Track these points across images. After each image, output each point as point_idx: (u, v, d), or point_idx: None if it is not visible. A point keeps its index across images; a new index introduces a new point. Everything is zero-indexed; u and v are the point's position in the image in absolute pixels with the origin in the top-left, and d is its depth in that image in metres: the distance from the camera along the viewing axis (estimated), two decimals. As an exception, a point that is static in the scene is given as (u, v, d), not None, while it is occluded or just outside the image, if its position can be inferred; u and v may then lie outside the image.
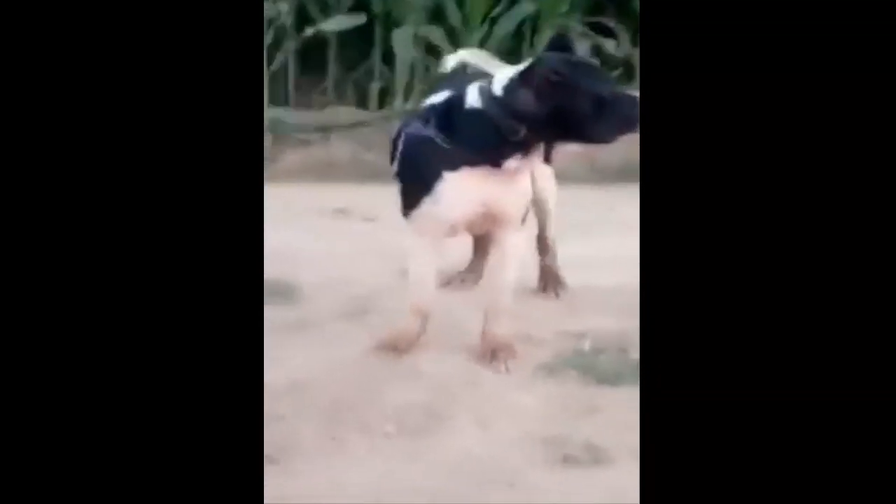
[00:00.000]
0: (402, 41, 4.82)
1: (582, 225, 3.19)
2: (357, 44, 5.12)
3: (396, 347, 2.32)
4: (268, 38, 4.66)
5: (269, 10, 4.57)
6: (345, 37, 5.06)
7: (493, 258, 2.35)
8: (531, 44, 5.02)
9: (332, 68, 5.17)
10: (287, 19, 4.85)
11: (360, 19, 4.82)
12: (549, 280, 2.83)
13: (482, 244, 2.80)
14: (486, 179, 2.16)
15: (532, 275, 2.81)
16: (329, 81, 5.17)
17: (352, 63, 5.19)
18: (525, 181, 2.26)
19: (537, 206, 2.70)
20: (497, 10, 4.89)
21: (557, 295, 2.82)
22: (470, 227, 2.32)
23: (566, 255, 2.88)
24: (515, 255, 2.33)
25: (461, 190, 2.17)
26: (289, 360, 2.28)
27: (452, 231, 2.30)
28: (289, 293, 2.77)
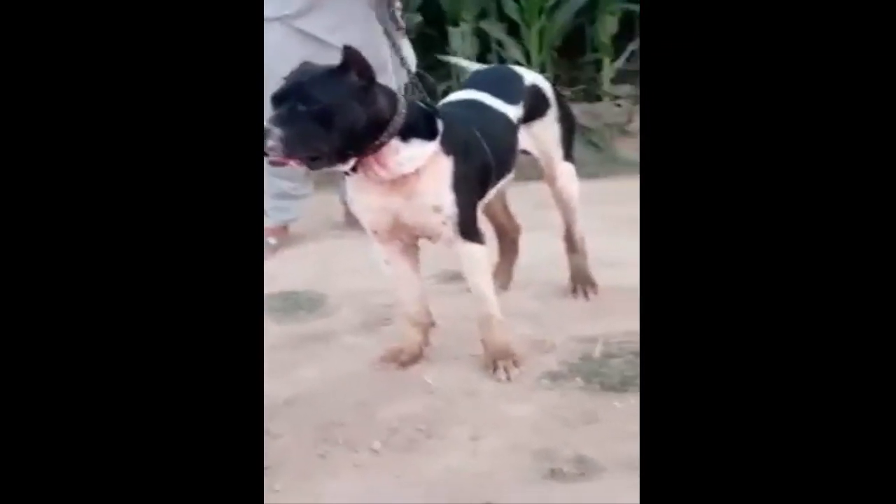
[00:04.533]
0: (461, 38, 4.77)
1: (610, 220, 3.07)
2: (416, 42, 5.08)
3: (397, 360, 2.30)
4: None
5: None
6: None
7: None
8: (593, 33, 4.91)
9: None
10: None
11: (415, 18, 4.80)
12: (579, 281, 2.75)
13: (505, 246, 2.75)
14: (377, 186, 2.10)
15: (564, 276, 2.74)
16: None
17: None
18: (426, 194, 2.11)
19: (560, 204, 2.64)
20: (552, 1, 4.78)
21: (587, 297, 2.73)
22: (393, 235, 2.22)
23: (595, 253, 2.78)
24: (473, 263, 2.21)
25: (359, 194, 2.16)
26: (293, 373, 2.31)
27: (385, 238, 2.22)
28: (314, 305, 2.78)
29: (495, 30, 4.81)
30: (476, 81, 2.52)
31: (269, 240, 3.25)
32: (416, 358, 2.32)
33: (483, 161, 2.22)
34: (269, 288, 2.83)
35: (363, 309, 2.71)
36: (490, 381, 2.23)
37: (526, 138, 2.45)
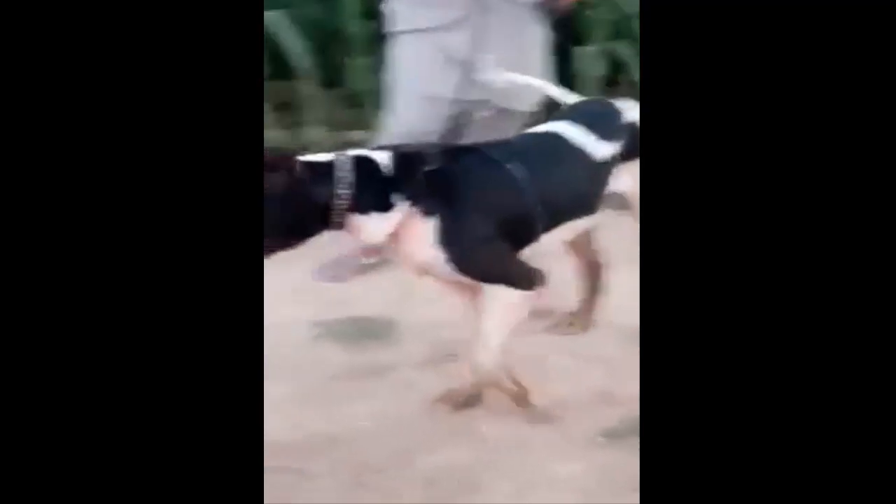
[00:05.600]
0: (590, 58, 4.62)
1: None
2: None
3: (453, 402, 2.21)
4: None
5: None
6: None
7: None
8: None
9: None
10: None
11: None
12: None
13: (587, 286, 2.62)
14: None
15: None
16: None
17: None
18: (410, 255, 2.07)
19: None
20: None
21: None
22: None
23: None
24: (493, 303, 2.09)
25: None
26: (343, 409, 2.25)
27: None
28: (383, 333, 2.72)
29: (624, 52, 4.62)
30: (570, 113, 2.38)
31: (362, 259, 3.18)
32: (473, 402, 2.22)
33: (512, 208, 2.09)
34: (341, 312, 2.81)
35: (431, 342, 2.62)
36: (542, 434, 2.11)
37: (626, 179, 2.27)
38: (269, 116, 4.51)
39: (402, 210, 2.01)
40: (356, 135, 4.11)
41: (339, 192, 1.96)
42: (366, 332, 2.72)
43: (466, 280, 2.09)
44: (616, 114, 2.33)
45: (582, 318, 2.61)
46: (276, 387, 2.14)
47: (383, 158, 2.04)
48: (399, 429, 2.16)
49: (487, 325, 2.11)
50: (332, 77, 4.61)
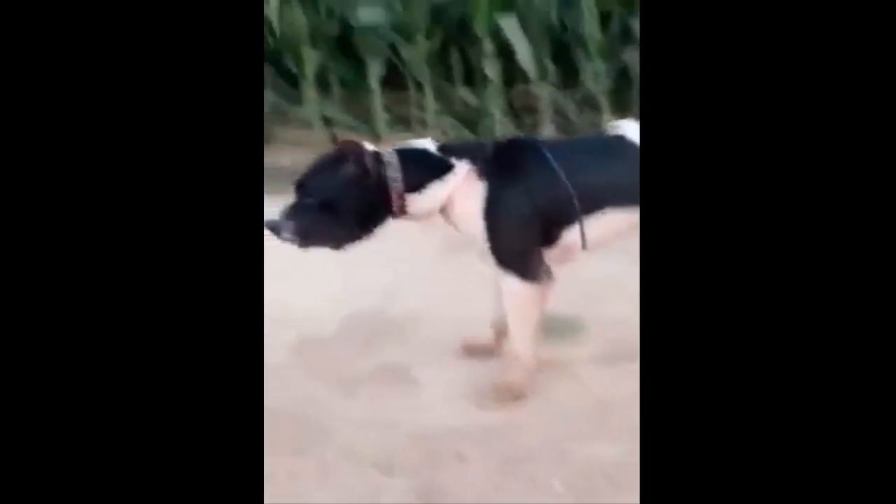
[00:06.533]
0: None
1: None
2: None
3: (504, 394, 2.34)
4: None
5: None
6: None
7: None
8: None
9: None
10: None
11: None
12: None
13: None
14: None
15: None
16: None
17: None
18: (461, 222, 2.24)
19: None
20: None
21: None
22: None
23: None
24: (509, 297, 2.27)
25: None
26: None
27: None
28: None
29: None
30: None
31: None
32: (521, 394, 2.34)
33: (544, 189, 2.21)
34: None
35: (612, 340, 2.64)
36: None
37: None
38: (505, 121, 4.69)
39: (460, 172, 2.19)
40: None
41: (391, 173, 2.17)
42: (550, 329, 2.78)
43: (490, 263, 2.24)
44: None
45: None
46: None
47: (429, 145, 2.27)
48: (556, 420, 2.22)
49: (512, 317, 2.29)
50: (567, 80, 4.69)
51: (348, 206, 2.16)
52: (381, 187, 2.19)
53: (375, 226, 2.23)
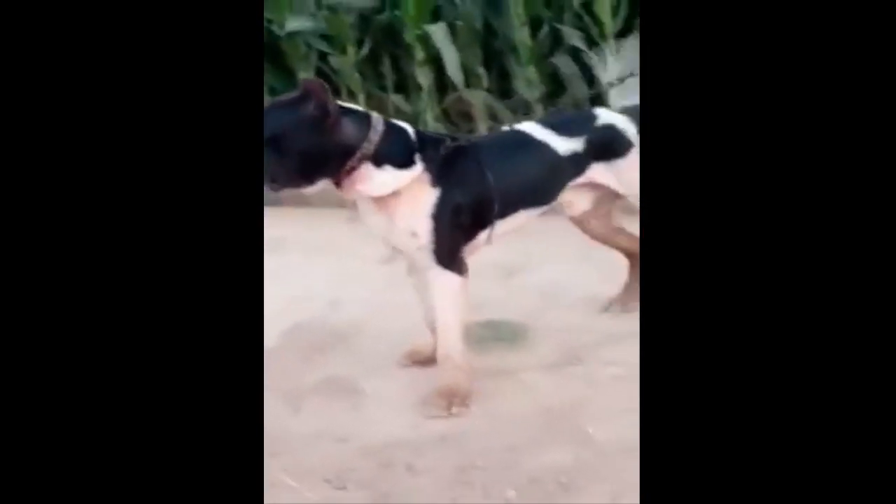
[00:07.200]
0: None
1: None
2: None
3: (445, 401, 2.33)
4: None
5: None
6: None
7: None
8: None
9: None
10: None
11: None
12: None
13: (633, 266, 2.81)
14: (369, 205, 2.29)
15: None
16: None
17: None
18: (403, 219, 2.25)
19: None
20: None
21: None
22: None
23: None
24: (442, 293, 2.30)
25: (362, 214, 2.35)
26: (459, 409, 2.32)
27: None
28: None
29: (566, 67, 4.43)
30: (545, 118, 2.87)
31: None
32: (464, 400, 2.33)
33: (479, 195, 2.31)
34: (479, 316, 2.89)
35: (559, 345, 2.65)
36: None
37: (603, 173, 2.54)
38: (437, 125, 4.69)
39: (416, 171, 2.21)
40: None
41: (372, 137, 2.17)
42: (496, 336, 2.79)
43: (424, 261, 2.28)
44: (590, 117, 2.58)
45: (626, 298, 2.82)
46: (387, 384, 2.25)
47: (410, 130, 2.28)
48: (508, 429, 2.22)
49: (443, 316, 2.30)
50: (503, 86, 4.71)
51: (296, 145, 2.10)
52: (346, 143, 2.16)
53: (317, 177, 2.18)
